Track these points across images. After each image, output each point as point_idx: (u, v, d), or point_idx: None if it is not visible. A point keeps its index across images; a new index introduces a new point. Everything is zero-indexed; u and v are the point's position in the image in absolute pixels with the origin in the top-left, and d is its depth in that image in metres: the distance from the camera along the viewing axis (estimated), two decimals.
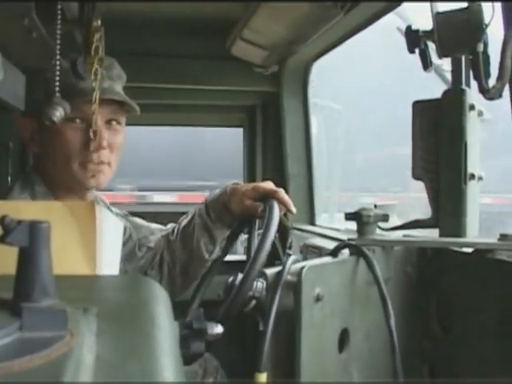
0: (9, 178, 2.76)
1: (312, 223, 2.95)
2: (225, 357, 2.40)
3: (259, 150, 3.14)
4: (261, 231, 2.01)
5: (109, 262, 1.09)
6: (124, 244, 1.71)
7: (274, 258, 2.70)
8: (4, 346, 0.60)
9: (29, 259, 0.68)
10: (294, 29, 2.45)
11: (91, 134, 1.84)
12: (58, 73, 1.49)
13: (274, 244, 1.95)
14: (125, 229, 2.09)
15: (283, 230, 2.59)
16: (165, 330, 0.76)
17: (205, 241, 2.19)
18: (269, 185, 2.08)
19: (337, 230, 2.50)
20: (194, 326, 1.14)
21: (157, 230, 2.35)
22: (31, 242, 0.67)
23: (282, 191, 2.04)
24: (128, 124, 2.10)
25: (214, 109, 3.15)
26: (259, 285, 1.96)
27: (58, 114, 1.59)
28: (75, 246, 1.04)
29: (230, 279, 2.01)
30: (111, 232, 1.11)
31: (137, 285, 0.96)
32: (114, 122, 2.01)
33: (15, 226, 0.67)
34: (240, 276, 1.97)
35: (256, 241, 2.00)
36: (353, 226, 2.17)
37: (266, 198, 2.04)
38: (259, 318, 2.02)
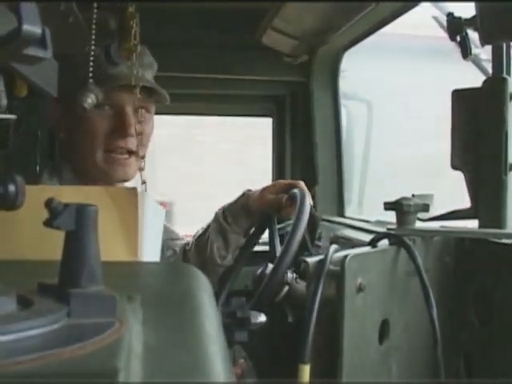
0: (37, 167, 2.76)
1: (341, 215, 2.93)
2: (252, 347, 2.38)
3: (288, 141, 3.12)
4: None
5: (151, 249, 1.07)
6: None
7: (303, 250, 2.69)
8: (53, 333, 0.58)
9: (76, 244, 0.66)
10: (324, 18, 2.43)
11: (118, 120, 1.85)
12: (92, 59, 1.48)
13: (303, 235, 1.94)
14: None
15: (312, 222, 2.57)
16: (210, 318, 0.75)
17: (218, 245, 2.14)
18: (288, 180, 2.06)
19: (367, 221, 2.47)
20: (238, 314, 1.13)
21: (181, 237, 2.34)
22: (78, 226, 0.66)
23: (302, 183, 2.00)
24: (156, 113, 2.09)
25: (243, 98, 3.14)
26: (289, 275, 1.95)
27: (90, 100, 1.58)
28: (117, 231, 1.02)
29: (260, 269, 2.00)
30: (153, 218, 1.09)
31: (179, 272, 0.95)
32: (143, 111, 1.97)
33: (62, 210, 0.65)
34: (270, 266, 1.96)
35: (277, 237, 1.99)
36: (384, 217, 2.15)
37: (289, 189, 2.02)
38: (288, 309, 2.00)
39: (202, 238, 2.21)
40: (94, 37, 1.47)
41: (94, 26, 1.44)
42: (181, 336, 0.66)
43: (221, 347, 0.68)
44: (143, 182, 1.83)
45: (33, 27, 0.63)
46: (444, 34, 1.64)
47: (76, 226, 0.66)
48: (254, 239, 2.07)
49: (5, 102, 0.73)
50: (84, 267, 0.65)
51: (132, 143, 1.93)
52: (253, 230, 2.10)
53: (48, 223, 0.65)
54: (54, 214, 0.65)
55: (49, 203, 0.65)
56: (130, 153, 1.94)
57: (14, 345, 0.54)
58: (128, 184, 2.06)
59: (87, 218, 0.66)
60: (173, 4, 2.56)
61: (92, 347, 0.55)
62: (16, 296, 0.63)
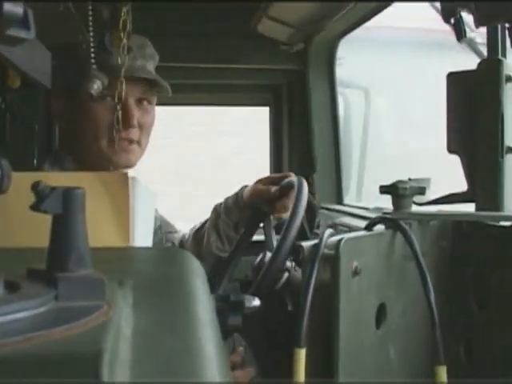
0: (35, 160, 2.76)
1: (340, 202, 2.92)
2: (251, 335, 2.38)
3: (285, 129, 3.12)
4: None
5: (142, 234, 1.07)
6: (154, 233, 1.71)
7: (302, 238, 2.68)
8: (40, 315, 0.58)
9: (63, 227, 0.65)
10: (320, 5, 2.42)
11: (120, 111, 1.84)
12: (92, 45, 1.49)
13: (301, 224, 1.93)
14: (155, 218, 2.08)
15: (310, 210, 2.57)
16: (202, 302, 0.74)
17: (213, 237, 2.17)
18: (281, 173, 2.07)
19: (365, 208, 2.47)
20: (232, 298, 1.12)
21: (179, 230, 2.35)
22: (65, 209, 0.65)
23: (294, 175, 2.02)
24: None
25: (240, 88, 3.13)
26: (288, 263, 1.95)
27: (96, 86, 1.59)
28: (108, 217, 1.02)
29: (259, 258, 2.00)
30: (144, 203, 1.09)
31: (171, 257, 0.94)
32: (145, 102, 2.02)
33: (49, 193, 0.64)
34: (269, 254, 1.95)
35: (272, 232, 2.00)
36: (382, 204, 2.14)
37: (281, 181, 2.03)
38: (287, 297, 2.00)
39: (199, 231, 2.23)
40: (91, 23, 1.47)
41: (90, 13, 1.43)
42: (172, 320, 0.65)
43: (213, 332, 0.67)
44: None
45: (14, 7, 0.62)
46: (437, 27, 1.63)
47: (63, 210, 0.65)
48: (248, 232, 2.07)
49: None
50: (72, 251, 0.65)
51: (134, 134, 1.97)
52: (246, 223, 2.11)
53: (35, 207, 0.64)
54: (41, 197, 0.64)
55: (35, 186, 0.64)
56: (132, 142, 1.98)
57: None
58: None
59: (74, 201, 0.65)
60: None
61: (78, 329, 0.55)
62: (3, 281, 0.63)
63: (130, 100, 1.94)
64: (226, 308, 1.11)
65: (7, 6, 0.62)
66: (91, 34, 1.53)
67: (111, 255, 0.90)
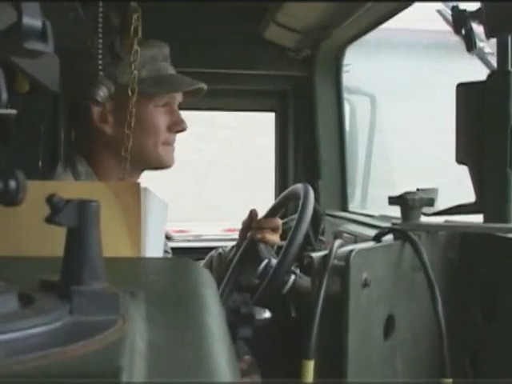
0: (39, 162, 2.75)
1: (345, 209, 2.92)
2: (256, 343, 2.38)
3: (291, 136, 3.12)
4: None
5: (153, 245, 1.06)
6: None
7: (307, 244, 2.69)
8: (55, 331, 0.57)
9: (78, 240, 0.65)
10: (327, 12, 2.42)
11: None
12: (100, 51, 1.49)
13: (306, 231, 1.93)
14: None
15: (315, 216, 2.57)
16: (215, 315, 0.74)
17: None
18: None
19: (371, 216, 2.46)
20: (242, 310, 1.12)
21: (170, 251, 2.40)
22: (80, 222, 0.65)
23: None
24: None
25: (246, 93, 3.13)
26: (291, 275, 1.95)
27: (102, 93, 1.59)
28: (119, 227, 1.02)
29: (264, 263, 2.00)
30: (156, 214, 1.09)
31: (183, 268, 0.94)
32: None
33: (64, 205, 0.64)
34: (274, 261, 1.96)
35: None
36: (388, 211, 2.14)
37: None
38: (291, 304, 2.00)
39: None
40: (101, 31, 1.48)
41: (100, 20, 1.44)
42: (185, 334, 0.65)
43: (225, 345, 0.67)
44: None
45: (33, 20, 0.62)
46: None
47: (78, 223, 0.65)
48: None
49: (5, 96, 0.72)
50: (86, 264, 0.65)
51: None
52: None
53: (49, 219, 0.64)
54: (56, 209, 0.64)
55: (50, 199, 0.64)
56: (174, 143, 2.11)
57: (15, 344, 0.53)
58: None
59: (89, 214, 0.65)
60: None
61: (94, 346, 0.54)
62: (17, 294, 0.62)
63: (177, 106, 2.07)
64: (236, 320, 1.11)
65: (26, 20, 0.61)
66: (100, 40, 1.53)
67: (123, 266, 0.90)
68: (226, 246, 2.39)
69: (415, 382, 1.54)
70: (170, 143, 2.04)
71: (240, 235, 2.27)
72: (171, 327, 0.66)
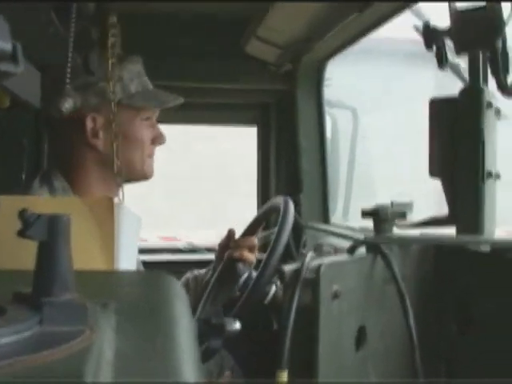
0: (23, 175, 2.76)
1: (326, 222, 2.94)
2: (240, 355, 2.39)
3: (273, 149, 3.14)
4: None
5: (126, 258, 1.08)
6: None
7: (288, 257, 2.70)
8: (24, 340, 0.60)
9: (48, 253, 0.67)
10: (308, 26, 2.44)
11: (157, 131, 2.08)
12: (69, 64, 1.51)
13: (288, 243, 1.95)
14: None
15: (297, 229, 2.58)
16: (184, 327, 0.76)
17: None
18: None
19: (352, 228, 2.48)
20: (213, 321, 1.14)
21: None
22: (51, 236, 0.67)
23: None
24: None
25: (228, 107, 3.15)
26: (272, 286, 1.97)
27: (68, 105, 1.60)
28: (93, 240, 1.04)
29: (245, 276, 2.02)
30: (129, 228, 1.11)
31: (155, 281, 0.96)
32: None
33: (35, 220, 0.66)
34: (254, 273, 1.97)
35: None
36: (368, 224, 2.16)
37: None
38: (273, 317, 2.02)
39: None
40: (73, 46, 1.50)
41: (72, 36, 1.46)
42: (153, 344, 0.67)
43: (192, 356, 0.69)
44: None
45: (3, 44, 0.64)
46: None
47: (48, 236, 0.67)
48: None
49: None
50: (56, 276, 0.67)
51: None
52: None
53: (21, 233, 0.66)
54: (27, 224, 0.66)
55: (22, 214, 0.67)
56: None
57: None
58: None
59: (59, 228, 0.68)
60: (157, 11, 2.58)
61: (60, 354, 0.56)
62: None
63: (155, 119, 2.10)
64: (207, 331, 1.13)
65: None
66: (71, 51, 1.55)
67: (95, 278, 0.92)
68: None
69: (394, 381, 1.55)
70: (151, 156, 2.08)
71: (217, 256, 2.28)
72: (140, 338, 0.68)
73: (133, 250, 1.16)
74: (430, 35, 1.55)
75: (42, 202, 1.09)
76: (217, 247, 2.30)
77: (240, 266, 2.09)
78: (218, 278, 2.15)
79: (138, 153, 2.03)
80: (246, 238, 2.22)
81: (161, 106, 2.06)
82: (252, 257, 2.16)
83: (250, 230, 2.32)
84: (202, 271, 2.35)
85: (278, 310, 1.95)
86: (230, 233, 2.24)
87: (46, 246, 0.67)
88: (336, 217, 3.09)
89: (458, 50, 1.50)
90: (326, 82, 2.99)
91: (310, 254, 1.44)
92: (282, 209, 1.96)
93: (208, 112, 3.19)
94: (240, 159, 3.36)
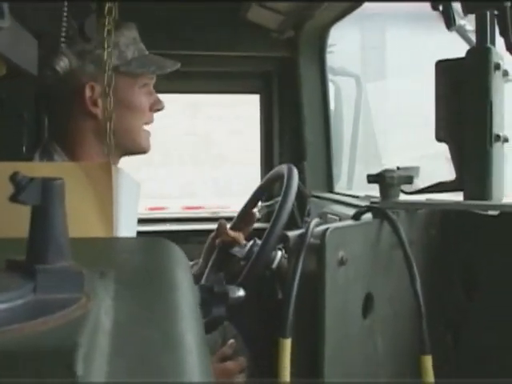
0: (24, 148, 2.74)
1: (330, 190, 2.92)
2: (243, 325, 2.38)
3: (276, 117, 3.11)
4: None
5: (126, 224, 1.06)
6: None
7: (293, 226, 2.69)
8: (17, 308, 0.57)
9: (42, 218, 0.64)
10: None
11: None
12: (65, 24, 1.48)
13: (291, 211, 1.94)
14: None
15: (301, 197, 2.57)
16: (185, 293, 0.74)
17: None
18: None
19: (356, 196, 2.46)
20: (215, 289, 1.11)
21: None
22: (44, 200, 0.64)
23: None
24: None
25: (230, 75, 3.12)
26: (278, 253, 1.95)
27: (63, 64, 1.57)
28: (91, 207, 1.01)
29: (249, 245, 2.00)
30: (128, 193, 1.08)
31: (155, 247, 0.93)
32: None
33: (27, 183, 0.64)
34: (258, 242, 1.96)
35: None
36: (373, 192, 2.14)
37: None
38: (277, 286, 2.00)
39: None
40: (67, 10, 1.47)
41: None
42: (153, 312, 0.65)
43: (195, 324, 0.67)
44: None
45: None
46: None
47: (42, 201, 0.64)
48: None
49: None
50: (51, 243, 0.64)
51: None
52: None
53: (13, 198, 0.64)
54: (19, 188, 0.63)
55: (14, 177, 0.64)
56: None
57: None
58: None
59: (53, 192, 0.65)
60: None
61: (55, 322, 0.54)
62: None
63: (152, 85, 2.06)
64: (210, 299, 1.10)
65: None
66: (65, 16, 1.51)
67: (94, 245, 0.90)
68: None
69: (401, 382, 1.54)
70: (149, 123, 2.04)
71: (207, 247, 2.24)
72: (139, 306, 0.66)
73: (132, 217, 1.13)
74: None
75: (36, 168, 1.06)
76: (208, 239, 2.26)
77: (236, 248, 2.08)
78: (214, 262, 2.13)
79: (137, 120, 2.00)
80: (239, 229, 2.22)
81: (159, 72, 2.02)
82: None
83: (254, 199, 2.31)
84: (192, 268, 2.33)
85: (282, 278, 1.94)
86: (221, 225, 2.21)
87: (40, 210, 0.64)
88: (340, 185, 3.07)
89: (466, 11, 1.46)
90: (328, 49, 2.96)
91: (314, 220, 1.41)
92: (285, 176, 1.95)
93: (209, 81, 3.16)
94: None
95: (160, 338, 0.58)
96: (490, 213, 1.52)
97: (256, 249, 1.92)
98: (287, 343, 1.29)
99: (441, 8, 1.52)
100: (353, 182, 3.39)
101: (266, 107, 3.17)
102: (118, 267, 0.76)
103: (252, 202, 2.32)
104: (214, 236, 2.22)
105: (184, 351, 0.57)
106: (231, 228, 2.24)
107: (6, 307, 0.56)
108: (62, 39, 1.50)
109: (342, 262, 1.36)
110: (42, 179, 0.64)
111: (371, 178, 1.58)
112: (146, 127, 2.03)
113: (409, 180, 1.56)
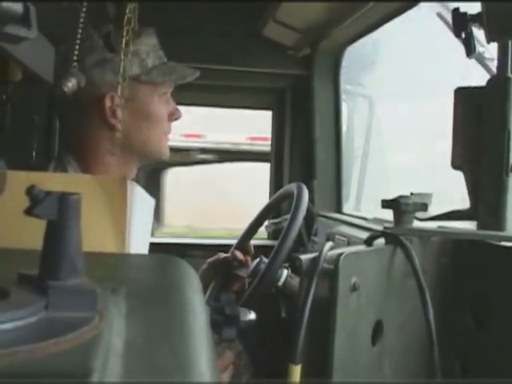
0: (34, 153, 2.73)
1: (339, 211, 2.91)
2: (249, 342, 2.37)
3: (288, 134, 3.11)
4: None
5: (139, 241, 1.04)
6: None
7: (299, 245, 2.68)
8: (29, 326, 0.55)
9: (57, 234, 0.63)
10: (327, 11, 2.41)
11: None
12: (78, 42, 1.47)
13: (299, 231, 1.92)
14: None
15: (309, 217, 2.56)
16: (197, 314, 0.72)
17: None
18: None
19: (364, 218, 2.45)
20: (227, 311, 1.10)
21: None
22: (60, 215, 0.62)
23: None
24: None
25: (244, 90, 3.12)
26: (284, 271, 1.94)
27: (71, 84, 1.55)
28: (105, 221, 1.00)
29: (255, 262, 1.99)
30: (142, 209, 1.06)
31: (167, 265, 0.92)
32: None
33: (44, 197, 0.62)
34: (265, 260, 1.95)
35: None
36: (381, 215, 2.12)
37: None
38: (281, 304, 1.99)
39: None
40: (84, 21, 1.46)
41: (84, 9, 1.42)
42: (165, 333, 0.63)
43: (206, 344, 0.65)
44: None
45: (13, 4, 0.60)
46: None
47: (57, 216, 0.62)
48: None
49: None
50: (64, 259, 0.62)
51: None
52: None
53: (28, 211, 0.62)
54: (35, 201, 0.62)
55: (30, 190, 0.62)
56: None
57: None
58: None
59: (70, 207, 0.63)
60: None
61: (67, 344, 0.52)
62: None
63: (169, 94, 2.01)
64: (220, 320, 1.09)
65: (6, 4, 0.59)
66: (81, 27, 1.50)
67: (106, 261, 0.88)
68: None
69: (408, 381, 1.52)
70: (168, 133, 2.00)
71: (205, 270, 2.23)
72: (151, 325, 0.64)
73: (146, 233, 1.11)
74: (460, 22, 1.50)
75: (52, 179, 1.05)
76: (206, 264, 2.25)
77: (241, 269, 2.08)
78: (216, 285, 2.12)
79: (157, 130, 1.95)
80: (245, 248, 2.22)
81: (180, 81, 1.97)
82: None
83: (262, 216, 2.29)
84: None
85: (287, 297, 1.93)
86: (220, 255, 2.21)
87: (55, 225, 0.63)
88: (348, 206, 3.06)
89: (489, 38, 1.44)
90: (343, 70, 2.95)
91: (328, 244, 1.39)
92: (295, 194, 1.93)
93: (223, 95, 3.16)
94: None
95: (172, 360, 0.56)
96: (503, 243, 1.50)
97: (262, 266, 1.91)
98: (297, 370, 1.27)
99: (463, 35, 1.51)
100: (361, 203, 3.38)
101: (278, 123, 3.16)
102: (130, 284, 0.75)
103: (260, 219, 2.30)
104: (211, 261, 2.22)
105: (196, 374, 0.56)
106: (237, 246, 2.22)
107: (17, 325, 0.55)
108: (76, 52, 1.48)
109: (354, 288, 1.34)
110: (59, 194, 0.63)
111: (385, 204, 1.56)
112: (164, 136, 1.99)
113: (424, 207, 1.54)
